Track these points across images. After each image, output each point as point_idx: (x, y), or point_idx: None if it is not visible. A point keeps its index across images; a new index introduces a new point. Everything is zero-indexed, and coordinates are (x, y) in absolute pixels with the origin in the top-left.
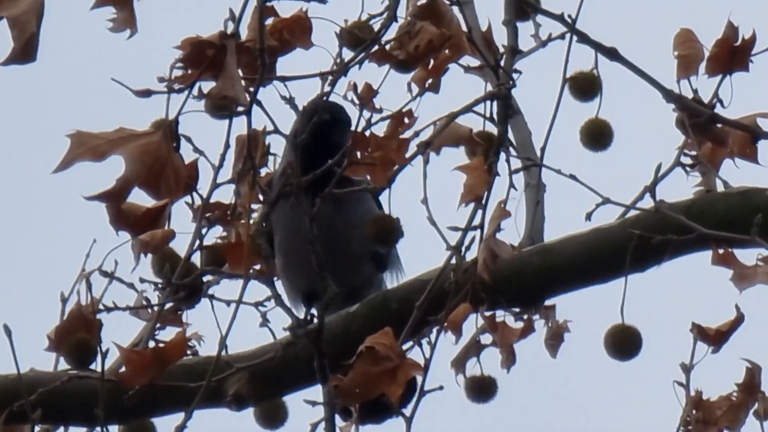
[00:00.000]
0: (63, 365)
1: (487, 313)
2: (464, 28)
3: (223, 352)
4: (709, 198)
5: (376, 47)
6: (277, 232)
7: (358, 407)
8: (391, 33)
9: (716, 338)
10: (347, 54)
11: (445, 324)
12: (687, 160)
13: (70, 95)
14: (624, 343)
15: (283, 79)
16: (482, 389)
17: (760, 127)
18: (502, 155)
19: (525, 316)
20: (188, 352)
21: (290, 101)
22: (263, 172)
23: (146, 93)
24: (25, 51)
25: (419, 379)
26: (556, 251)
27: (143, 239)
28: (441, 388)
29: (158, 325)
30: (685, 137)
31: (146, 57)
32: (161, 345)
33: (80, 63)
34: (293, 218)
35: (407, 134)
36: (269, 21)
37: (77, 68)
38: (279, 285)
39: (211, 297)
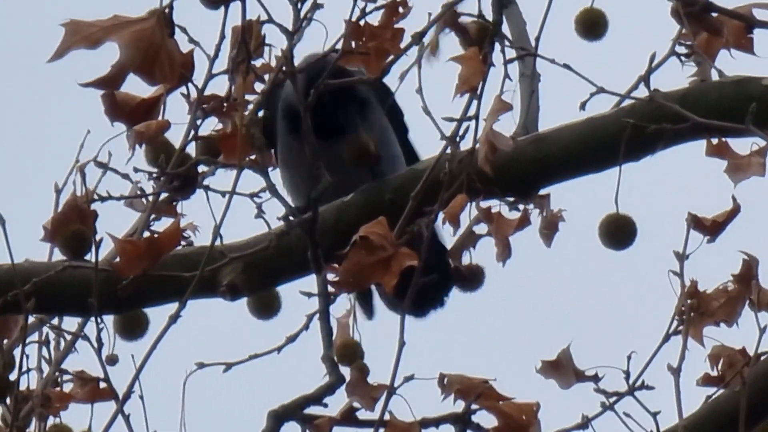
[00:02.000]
0: (58, 256)
1: (483, 205)
2: None
3: (218, 243)
4: (703, 87)
5: None
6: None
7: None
8: None
9: (712, 228)
10: None
11: (442, 214)
12: (682, 50)
13: None
14: (618, 231)
15: None
16: (470, 278)
17: (755, 17)
18: (497, 45)
19: (521, 207)
20: (183, 242)
21: None
22: (258, 62)
23: None
24: None
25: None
26: (551, 141)
27: (138, 129)
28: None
29: (153, 216)
30: (680, 27)
31: None
32: (155, 235)
33: None
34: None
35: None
36: None
37: None
38: (274, 175)
39: (206, 188)
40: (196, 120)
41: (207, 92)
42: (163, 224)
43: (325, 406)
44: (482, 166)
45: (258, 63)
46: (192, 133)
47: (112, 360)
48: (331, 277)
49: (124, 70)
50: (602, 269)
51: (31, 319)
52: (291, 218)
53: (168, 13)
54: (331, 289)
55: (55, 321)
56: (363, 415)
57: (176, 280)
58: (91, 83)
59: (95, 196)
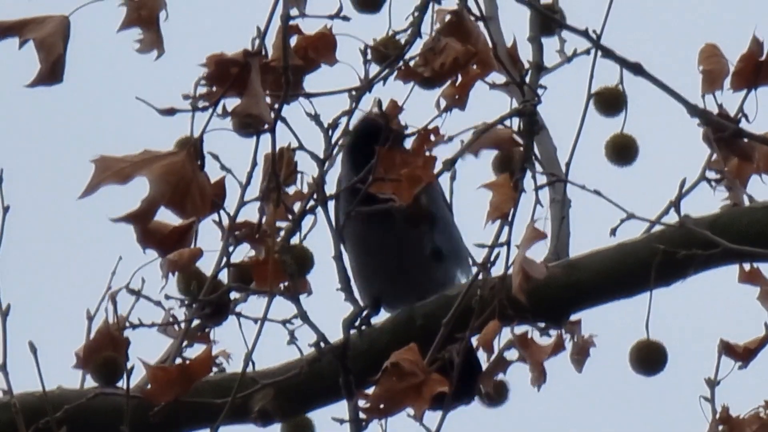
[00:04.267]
0: (90, 383)
1: (518, 331)
2: (489, 44)
3: (250, 369)
4: (734, 212)
5: (402, 64)
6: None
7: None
8: (416, 49)
9: (744, 355)
10: (372, 70)
11: (475, 341)
12: (712, 175)
13: (97, 115)
14: (649, 358)
15: (308, 96)
16: (495, 393)
17: None
18: (528, 171)
19: (555, 333)
20: (215, 369)
21: (315, 118)
22: (290, 189)
23: (171, 111)
24: (52, 72)
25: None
26: (582, 266)
27: (171, 259)
28: (467, 403)
29: (185, 343)
30: (711, 152)
31: (170, 74)
32: (187, 362)
33: (106, 83)
34: (359, 229)
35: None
36: (293, 39)
37: (103, 88)
38: (305, 302)
39: (238, 314)
40: (228, 247)
41: (239, 219)
42: (195, 351)
43: None
44: (516, 294)
45: (290, 190)
46: (224, 260)
47: None
48: (362, 403)
49: (155, 204)
50: (633, 395)
51: None
52: (322, 345)
53: (199, 146)
54: (362, 415)
55: None
56: None
57: (208, 406)
58: (122, 218)
59: (127, 324)
